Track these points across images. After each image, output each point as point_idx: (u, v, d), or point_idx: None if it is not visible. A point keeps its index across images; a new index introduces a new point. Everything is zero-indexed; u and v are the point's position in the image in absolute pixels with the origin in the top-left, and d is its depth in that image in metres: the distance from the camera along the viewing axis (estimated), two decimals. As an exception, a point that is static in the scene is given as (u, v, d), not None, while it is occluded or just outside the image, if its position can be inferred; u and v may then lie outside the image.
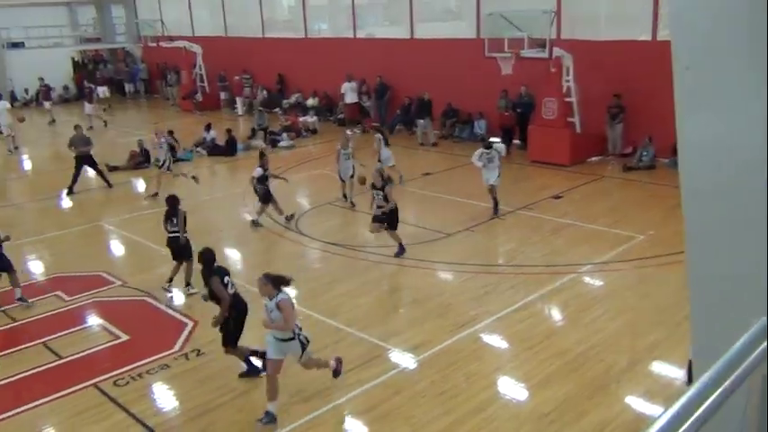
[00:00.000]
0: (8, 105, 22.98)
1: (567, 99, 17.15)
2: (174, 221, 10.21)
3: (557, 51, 16.71)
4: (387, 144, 16.23)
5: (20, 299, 10.09)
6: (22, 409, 7.43)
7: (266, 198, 13.10)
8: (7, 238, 10.20)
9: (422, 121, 20.71)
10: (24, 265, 12.03)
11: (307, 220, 13.75)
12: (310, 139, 22.46)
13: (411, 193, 15.50)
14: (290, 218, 13.38)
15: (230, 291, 7.89)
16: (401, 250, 11.35)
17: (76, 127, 17.51)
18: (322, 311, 9.47)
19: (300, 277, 10.64)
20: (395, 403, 7.23)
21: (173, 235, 10.27)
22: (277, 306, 6.83)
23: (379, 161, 15.61)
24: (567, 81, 17.01)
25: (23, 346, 8.86)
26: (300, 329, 7.06)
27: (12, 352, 8.74)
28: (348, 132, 14.86)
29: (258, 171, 13.03)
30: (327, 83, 24.81)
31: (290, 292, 10.22)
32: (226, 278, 7.89)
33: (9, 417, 7.30)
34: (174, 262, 10.40)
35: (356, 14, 24.89)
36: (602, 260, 10.92)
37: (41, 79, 29.79)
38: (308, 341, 7.09)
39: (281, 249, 12.35)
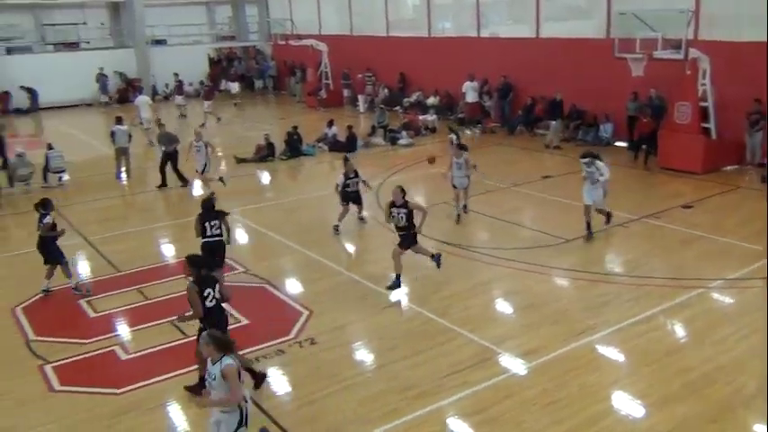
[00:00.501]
0: (150, 101, 24.34)
1: (703, 103, 16.17)
2: (216, 224, 9.84)
3: (693, 53, 15.80)
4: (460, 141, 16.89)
5: (75, 288, 10.66)
6: (151, 381, 7.94)
7: (346, 199, 13.12)
8: (62, 232, 10.74)
9: (553, 122, 20.05)
10: (158, 248, 12.87)
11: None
12: (429, 138, 22.52)
13: (529, 196, 15.20)
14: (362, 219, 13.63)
15: (210, 303, 7.31)
16: (437, 259, 10.39)
17: (161, 125, 18.28)
18: (432, 310, 9.48)
19: (412, 276, 10.72)
20: (504, 408, 7.12)
21: (213, 239, 9.86)
22: (221, 373, 5.57)
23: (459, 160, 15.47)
24: (703, 84, 16.03)
25: (154, 323, 9.46)
26: (247, 401, 5.76)
27: (144, 328, 9.35)
28: (454, 139, 13.96)
29: (340, 179, 13.13)
30: (449, 82, 24.78)
31: (402, 289, 10.39)
32: (207, 290, 7.29)
33: (138, 388, 7.83)
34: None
35: (480, 13, 24.69)
36: (733, 276, 10.21)
37: (176, 75, 31.58)
38: (246, 420, 5.70)
39: (393, 247, 12.43)
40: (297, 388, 7.76)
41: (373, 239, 12.97)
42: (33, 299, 10.44)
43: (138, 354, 8.69)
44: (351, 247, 12.77)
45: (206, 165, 15.92)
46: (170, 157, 17.18)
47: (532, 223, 13.47)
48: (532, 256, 11.38)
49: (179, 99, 29.22)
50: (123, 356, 8.65)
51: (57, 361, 8.50)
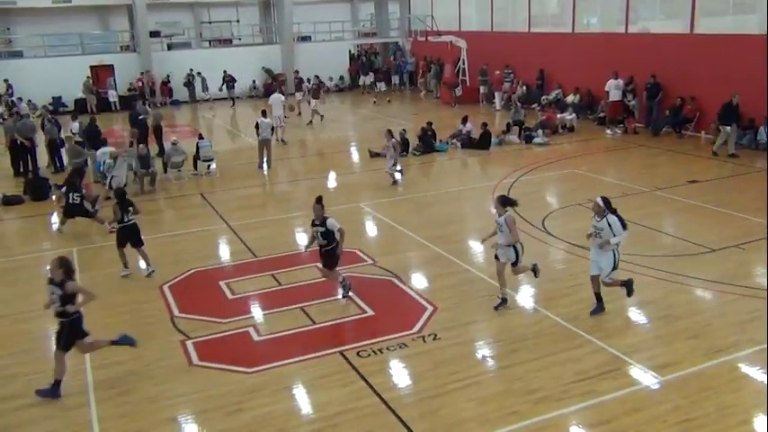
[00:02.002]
0: (283, 99, 24.17)
1: None
2: (132, 210, 11.26)
3: None
4: None
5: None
6: (279, 363, 8.30)
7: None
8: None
9: (728, 127, 17.88)
10: (292, 237, 13.41)
11: (554, 220, 13.42)
12: (566, 137, 21.84)
13: (672, 201, 14.34)
14: None
15: None
16: (345, 289, 10.00)
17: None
18: (561, 315, 9.19)
19: (542, 278, 10.46)
20: (632, 421, 6.78)
21: (130, 223, 11.28)
22: None
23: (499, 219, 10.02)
24: None
25: (285, 308, 9.88)
26: None
27: (275, 312, 9.78)
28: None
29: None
30: (591, 79, 23.88)
31: (529, 291, 10.14)
32: None
33: (267, 369, 8.20)
34: (120, 249, 11.33)
35: (630, 8, 23.55)
36: None
37: (296, 72, 31.85)
38: None
39: (525, 247, 12.16)
40: (417, 382, 7.81)
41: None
42: (179, 277, 11.22)
43: (270, 336, 9.10)
44: (479, 245, 12.63)
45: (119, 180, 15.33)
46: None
47: (674, 230, 12.72)
48: (672, 264, 10.74)
49: (297, 96, 29.48)
50: (256, 338, 9.09)
51: (197, 337, 9.08)
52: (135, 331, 9.34)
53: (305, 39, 38.60)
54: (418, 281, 10.78)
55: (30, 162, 18.81)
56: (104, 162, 16.78)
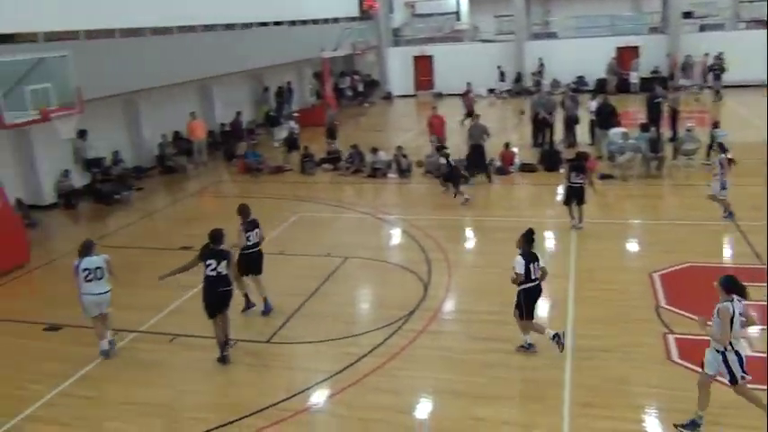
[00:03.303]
0: None
1: None
2: (252, 235, 10.02)
3: None
4: None
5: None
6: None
7: None
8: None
9: None
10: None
11: None
12: None
13: None
14: None
15: (209, 273, 8.53)
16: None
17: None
18: None
19: None
20: None
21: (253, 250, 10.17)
22: None
23: None
24: None
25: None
26: None
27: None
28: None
29: None
30: None
31: None
32: (210, 261, 8.54)
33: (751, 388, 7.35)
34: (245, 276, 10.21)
35: None
36: None
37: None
38: None
39: None
40: None
41: None
42: (672, 268, 10.81)
43: (762, 354, 8.13)
44: None
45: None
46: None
47: None
48: None
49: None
50: (746, 352, 8.19)
51: (680, 333, 8.68)
52: (615, 310, 9.52)
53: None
54: None
55: (547, 135, 20.34)
56: (615, 142, 17.08)
